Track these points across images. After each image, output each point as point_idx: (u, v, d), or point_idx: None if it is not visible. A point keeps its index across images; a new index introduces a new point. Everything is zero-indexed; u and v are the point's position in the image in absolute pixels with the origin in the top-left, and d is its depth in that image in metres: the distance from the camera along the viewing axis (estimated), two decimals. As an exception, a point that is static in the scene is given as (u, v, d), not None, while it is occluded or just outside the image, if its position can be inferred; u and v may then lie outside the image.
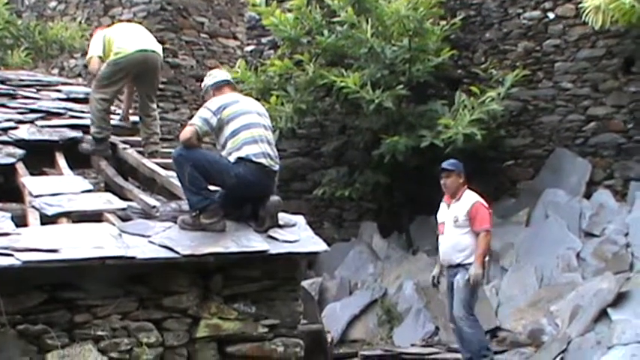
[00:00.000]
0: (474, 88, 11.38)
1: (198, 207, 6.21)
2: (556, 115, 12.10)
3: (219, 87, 6.85)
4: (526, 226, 11.63)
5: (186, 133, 6.45)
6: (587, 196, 11.49)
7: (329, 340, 8.38)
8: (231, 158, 6.39)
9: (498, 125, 11.88)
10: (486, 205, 8.71)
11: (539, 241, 11.17)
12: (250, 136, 6.48)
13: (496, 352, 9.83)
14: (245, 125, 6.51)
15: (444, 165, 8.87)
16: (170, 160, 8.06)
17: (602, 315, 8.86)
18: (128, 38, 8.25)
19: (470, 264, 8.42)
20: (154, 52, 8.28)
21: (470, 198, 8.67)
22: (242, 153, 6.39)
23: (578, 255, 10.77)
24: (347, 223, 13.43)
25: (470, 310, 8.54)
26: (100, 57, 8.45)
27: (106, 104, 8.22)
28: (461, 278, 8.45)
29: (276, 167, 6.70)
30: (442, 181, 8.90)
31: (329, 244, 7.01)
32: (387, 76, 11.51)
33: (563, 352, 8.59)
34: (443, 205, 8.98)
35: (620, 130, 11.61)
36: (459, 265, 8.55)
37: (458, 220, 8.56)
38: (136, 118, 8.81)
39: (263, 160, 6.48)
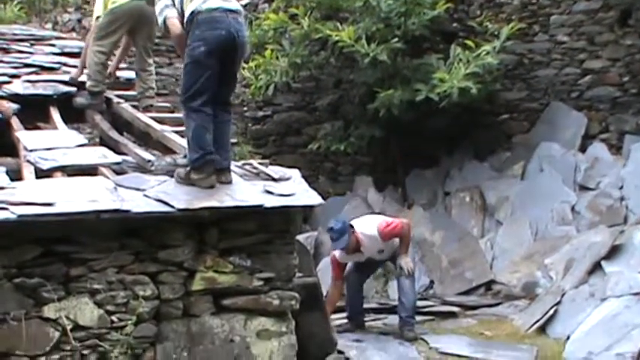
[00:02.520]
0: (469, 42, 11.32)
1: (194, 166, 6.13)
2: (552, 68, 12.09)
3: None
4: (521, 179, 11.67)
5: (172, 28, 6.20)
6: (583, 149, 11.52)
7: (324, 293, 8.42)
8: (185, 19, 6.10)
9: (494, 79, 11.85)
10: (383, 220, 8.68)
11: (534, 195, 11.22)
12: None
13: (490, 305, 9.93)
14: None
15: (339, 245, 8.45)
16: (165, 115, 8.11)
17: (596, 267, 8.91)
18: None
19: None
20: (149, 3, 8.25)
21: (369, 232, 8.50)
22: (192, 6, 6.06)
23: (572, 208, 10.84)
24: (342, 177, 13.46)
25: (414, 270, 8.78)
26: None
27: (103, 57, 8.21)
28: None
29: (237, 7, 6.20)
30: (349, 249, 8.56)
31: (324, 198, 7.01)
32: (382, 29, 11.43)
33: (557, 304, 8.65)
34: (351, 255, 8.67)
35: (616, 84, 11.61)
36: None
37: (381, 248, 8.63)
38: (122, 74, 8.85)
39: (213, 3, 6.07)
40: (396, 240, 8.64)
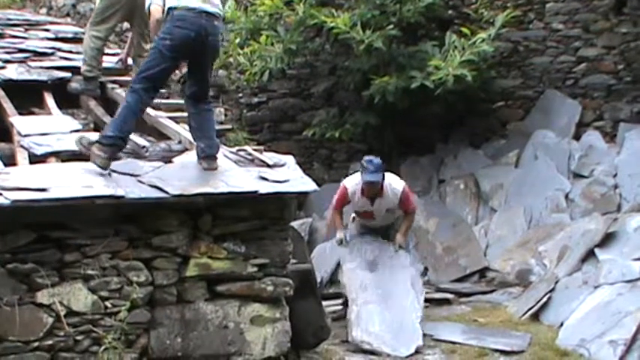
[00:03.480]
0: (464, 29, 11.30)
1: (102, 141, 5.95)
2: (547, 56, 12.09)
3: None
4: (515, 167, 11.67)
5: (154, 12, 6.46)
6: (577, 137, 11.53)
7: (318, 280, 8.43)
8: (165, 10, 6.18)
9: (489, 66, 11.84)
10: (406, 185, 8.67)
11: (528, 182, 11.22)
12: None
13: (484, 292, 9.94)
14: None
15: (372, 178, 8.25)
16: (159, 100, 8.08)
17: (590, 255, 8.91)
18: None
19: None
20: None
21: (395, 186, 8.45)
22: (173, 2, 6.10)
23: (566, 196, 10.85)
24: (337, 164, 13.45)
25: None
26: None
27: (99, 42, 8.19)
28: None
29: (216, 10, 6.20)
30: (370, 192, 8.44)
31: (319, 185, 7.01)
32: (377, 16, 11.40)
33: (550, 291, 8.66)
34: (361, 199, 8.52)
35: (611, 72, 11.61)
36: None
37: (390, 209, 8.56)
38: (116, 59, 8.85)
39: (191, 2, 6.08)
40: (400, 213, 8.66)
